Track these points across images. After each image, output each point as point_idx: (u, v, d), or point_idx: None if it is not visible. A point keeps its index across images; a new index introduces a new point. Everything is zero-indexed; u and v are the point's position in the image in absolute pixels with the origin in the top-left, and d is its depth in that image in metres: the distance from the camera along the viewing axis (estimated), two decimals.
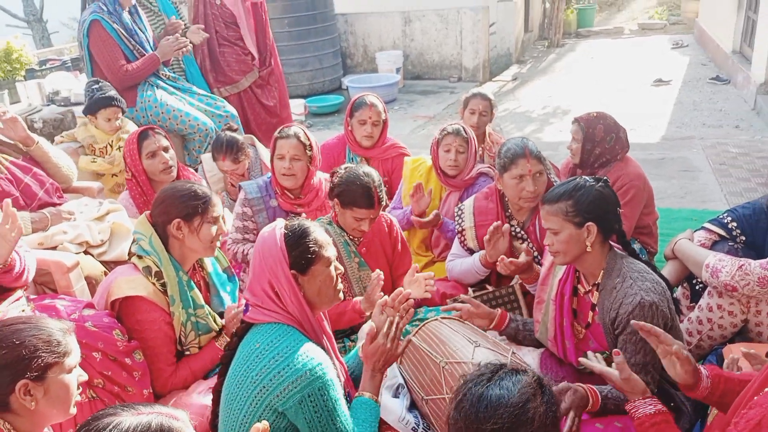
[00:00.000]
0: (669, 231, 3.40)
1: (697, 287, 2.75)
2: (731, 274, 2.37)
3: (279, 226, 1.98)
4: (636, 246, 3.31)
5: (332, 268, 2.00)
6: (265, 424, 1.48)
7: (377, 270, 2.55)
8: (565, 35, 13.18)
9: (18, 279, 2.26)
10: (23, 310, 2.27)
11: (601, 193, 2.18)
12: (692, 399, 1.91)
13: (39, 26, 13.28)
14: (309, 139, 3.15)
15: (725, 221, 2.66)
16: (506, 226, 2.86)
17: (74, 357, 1.65)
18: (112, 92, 3.88)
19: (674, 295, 2.64)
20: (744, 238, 2.65)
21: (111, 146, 3.86)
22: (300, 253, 1.91)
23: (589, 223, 2.13)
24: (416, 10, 9.75)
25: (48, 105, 5.32)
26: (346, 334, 2.84)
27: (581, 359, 1.93)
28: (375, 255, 2.89)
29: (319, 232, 2.00)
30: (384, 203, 2.79)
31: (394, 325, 2.02)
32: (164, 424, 1.29)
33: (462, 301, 2.81)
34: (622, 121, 3.32)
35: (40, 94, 5.76)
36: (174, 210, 2.33)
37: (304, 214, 2.93)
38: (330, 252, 1.99)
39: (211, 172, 4.06)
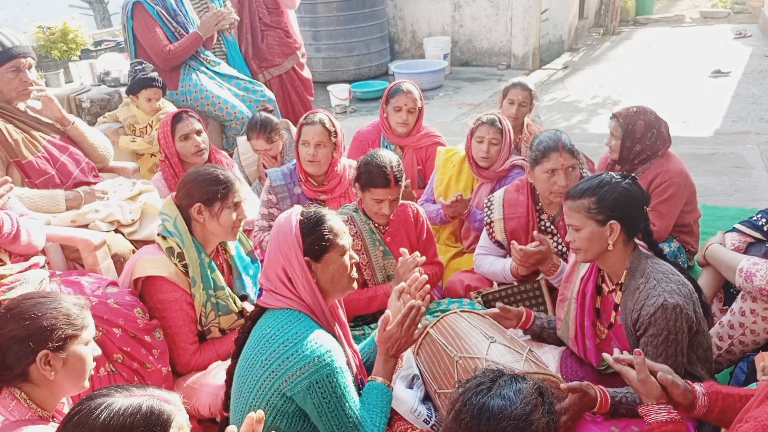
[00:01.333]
0: (714, 230, 3.25)
1: (731, 290, 2.64)
2: (766, 278, 2.26)
3: (295, 212, 1.99)
4: (674, 245, 3.21)
5: (347, 257, 2.00)
6: (260, 413, 1.49)
7: (415, 252, 2.50)
8: (623, 23, 12.74)
9: (15, 242, 2.29)
10: (42, 281, 2.35)
11: (627, 191, 2.10)
12: None
13: (100, 7, 13.63)
14: (334, 126, 3.15)
15: (759, 223, 2.54)
16: (536, 232, 2.76)
17: (90, 331, 1.72)
18: (154, 73, 3.96)
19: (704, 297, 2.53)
20: None
21: (151, 126, 3.94)
22: (314, 240, 1.93)
23: (612, 221, 2.07)
24: None
25: (98, 85, 5.47)
26: (366, 321, 2.84)
27: (604, 354, 1.87)
28: (400, 244, 2.86)
29: (335, 220, 2.00)
30: (403, 185, 2.76)
31: (411, 311, 2.01)
32: (155, 406, 1.31)
33: (488, 295, 2.79)
34: (674, 113, 3.20)
35: (91, 75, 5.92)
36: (196, 194, 2.37)
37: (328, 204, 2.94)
38: (345, 240, 1.99)
39: (246, 155, 4.11)
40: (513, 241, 2.69)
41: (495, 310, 2.46)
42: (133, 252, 2.74)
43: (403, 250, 2.50)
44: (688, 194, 3.18)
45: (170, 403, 1.35)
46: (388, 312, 2.06)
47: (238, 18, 4.78)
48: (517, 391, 1.40)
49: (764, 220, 2.54)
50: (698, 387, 1.74)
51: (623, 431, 1.99)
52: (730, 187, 4.78)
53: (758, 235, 2.54)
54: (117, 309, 2.27)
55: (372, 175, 2.68)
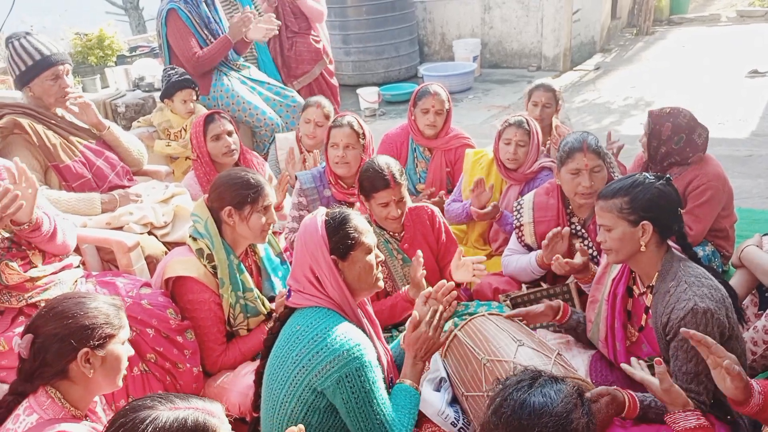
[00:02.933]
0: (749, 234, 3.18)
1: (766, 294, 2.58)
2: None
3: (320, 213, 2.03)
4: (708, 248, 3.15)
5: (372, 255, 2.03)
6: (300, 428, 1.52)
7: (418, 251, 2.52)
8: (656, 22, 12.51)
9: (52, 240, 2.34)
10: (76, 281, 2.41)
11: (661, 192, 2.08)
12: None
13: (135, 14, 13.92)
14: (362, 128, 3.19)
15: None
16: (566, 229, 2.76)
17: (126, 331, 1.76)
18: (187, 75, 4.04)
19: (742, 302, 2.48)
20: None
21: (185, 130, 4.02)
22: (340, 239, 1.96)
23: (645, 222, 2.04)
24: None
25: (133, 90, 5.59)
26: (394, 324, 2.85)
27: (623, 365, 1.85)
28: (419, 248, 2.86)
29: (359, 219, 2.03)
30: (403, 183, 2.75)
31: (437, 314, 2.02)
32: (200, 419, 1.34)
33: (516, 298, 2.78)
34: (709, 114, 3.14)
35: (126, 80, 6.05)
36: (226, 197, 2.41)
37: (357, 204, 2.95)
38: (369, 239, 2.02)
39: (282, 150, 4.14)
40: (557, 255, 2.62)
41: (535, 306, 2.43)
42: (166, 254, 2.80)
43: (419, 252, 2.51)
44: (726, 198, 3.12)
45: (214, 415, 1.37)
46: (415, 314, 2.07)
47: (279, 22, 4.78)
48: (557, 390, 1.40)
49: None
50: (756, 385, 1.70)
51: None
52: (766, 190, 4.66)
53: None
54: (150, 310, 2.32)
55: (371, 180, 2.70)
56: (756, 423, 2.03)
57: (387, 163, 2.74)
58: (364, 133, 3.19)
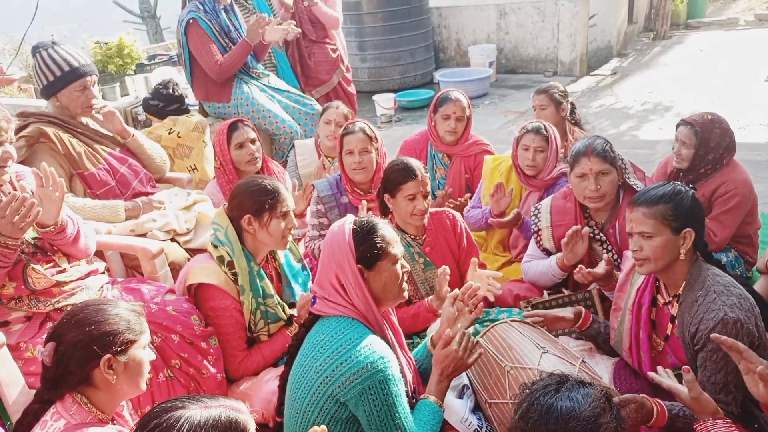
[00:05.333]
0: None
1: None
2: None
3: (348, 221, 2.03)
4: (732, 254, 3.12)
5: (398, 266, 2.02)
6: (323, 429, 1.52)
7: (443, 266, 2.54)
8: (673, 27, 12.43)
9: (75, 243, 2.37)
10: (102, 287, 2.44)
11: (697, 200, 2.09)
12: None
13: (153, 22, 14.09)
14: (374, 132, 3.24)
15: None
16: (586, 229, 2.76)
17: (147, 336, 1.78)
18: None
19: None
20: None
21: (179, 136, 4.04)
22: (367, 248, 1.96)
23: (688, 229, 2.03)
24: (512, 2, 9.53)
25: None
26: (417, 331, 2.85)
27: (650, 374, 1.84)
28: (441, 253, 2.87)
29: (387, 229, 2.03)
30: (428, 178, 2.79)
31: (468, 336, 2.01)
32: (232, 417, 1.37)
33: (538, 305, 2.76)
34: (729, 119, 3.11)
35: (146, 88, 6.13)
36: (245, 205, 2.43)
37: (364, 202, 2.99)
38: (397, 249, 2.01)
39: (302, 156, 4.16)
40: (581, 266, 2.61)
41: (553, 311, 2.43)
42: (188, 260, 2.82)
43: (444, 267, 2.52)
44: (751, 204, 3.09)
45: (242, 412, 1.41)
46: (448, 332, 2.06)
47: (299, 30, 4.79)
48: (585, 395, 1.39)
49: None
50: None
51: None
52: None
53: None
54: (175, 316, 2.34)
55: (398, 174, 2.74)
56: None
57: (407, 159, 2.83)
58: (376, 137, 3.24)
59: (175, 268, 2.80)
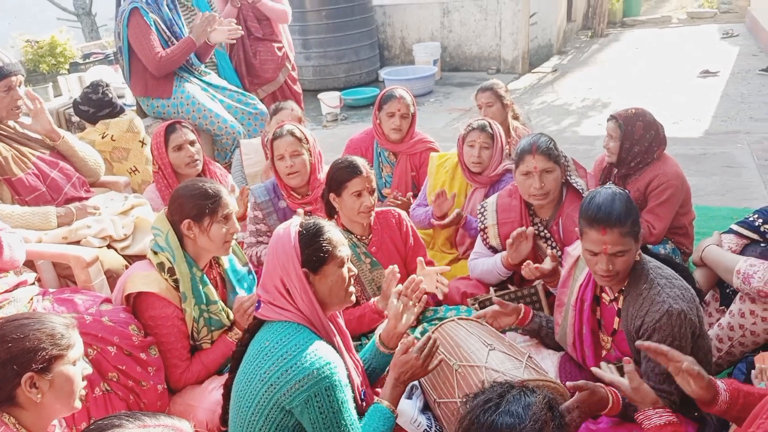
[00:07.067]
0: (706, 230, 3.27)
1: (727, 290, 2.64)
2: (764, 280, 2.26)
3: (294, 223, 1.98)
4: (669, 246, 3.21)
5: (345, 269, 1.99)
6: None
7: (391, 265, 2.52)
8: (610, 25, 12.81)
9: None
10: (32, 299, 2.32)
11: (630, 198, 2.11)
12: None
13: (88, 20, 13.59)
14: (303, 133, 3.17)
15: (756, 223, 2.54)
16: (530, 229, 2.79)
17: (77, 350, 1.68)
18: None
19: (704, 299, 2.54)
20: None
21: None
22: (313, 251, 1.92)
23: (641, 233, 2.07)
24: (455, 0, 9.63)
25: None
26: (363, 332, 2.82)
27: (593, 368, 1.87)
28: (387, 252, 2.86)
29: (334, 231, 1.99)
30: (373, 176, 2.78)
31: (430, 344, 1.99)
32: None
33: (485, 302, 2.78)
34: (664, 114, 3.20)
35: (80, 88, 5.89)
36: (185, 209, 2.35)
37: (300, 210, 2.96)
38: (344, 252, 1.98)
39: (248, 156, 4.07)
40: (528, 261, 2.65)
41: (494, 307, 2.45)
42: (126, 267, 2.72)
43: (392, 266, 2.51)
44: (684, 196, 3.19)
45: (184, 431, 1.33)
46: (412, 337, 2.03)
47: (241, 32, 4.68)
48: (526, 407, 1.37)
49: (761, 220, 2.54)
50: (720, 383, 1.73)
51: None
52: (721, 187, 4.79)
53: (755, 236, 2.54)
54: (112, 327, 2.24)
55: (342, 172, 2.72)
56: (724, 420, 2.07)
57: (352, 156, 2.81)
58: (306, 138, 3.16)
59: (111, 277, 2.69)
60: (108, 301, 2.41)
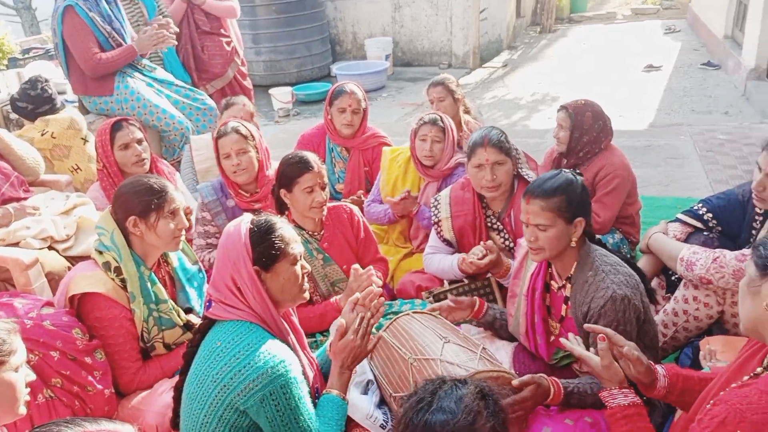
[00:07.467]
0: (653, 220, 3.37)
1: (672, 278, 2.72)
2: (706, 267, 2.33)
3: (245, 220, 1.95)
4: (617, 236, 3.29)
5: (298, 266, 1.96)
6: None
7: (369, 267, 2.51)
8: (558, 21, 13.07)
9: None
10: None
11: (585, 188, 2.16)
12: None
13: (28, 14, 13.10)
14: (249, 130, 3.12)
15: (700, 212, 2.62)
16: (489, 242, 2.78)
17: (19, 356, 1.63)
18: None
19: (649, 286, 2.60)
20: (720, 229, 2.61)
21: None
22: (264, 249, 1.88)
23: (579, 218, 2.10)
24: None
25: None
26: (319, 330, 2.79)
27: (561, 340, 1.89)
28: (339, 248, 2.84)
29: (286, 228, 1.96)
30: (324, 171, 2.75)
31: (364, 322, 1.98)
32: None
33: (439, 295, 2.79)
34: (610, 108, 3.28)
35: (19, 84, 5.65)
36: (130, 206, 2.29)
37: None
38: (296, 249, 1.95)
39: (199, 151, 3.98)
40: (463, 256, 2.68)
41: (448, 302, 2.46)
42: (69, 269, 2.62)
43: (356, 266, 2.49)
44: (631, 187, 3.26)
45: None
46: (342, 322, 2.02)
47: (177, 30, 4.59)
48: (458, 401, 1.37)
49: (705, 209, 2.62)
50: (659, 368, 1.78)
51: (576, 422, 2.01)
52: (666, 178, 4.94)
53: (699, 225, 2.61)
54: (54, 331, 2.15)
55: (293, 168, 2.69)
56: (671, 405, 2.13)
57: (303, 152, 2.77)
58: (252, 135, 3.11)
59: (53, 279, 2.59)
60: (50, 304, 2.32)
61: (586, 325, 1.82)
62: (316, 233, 2.82)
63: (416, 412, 1.39)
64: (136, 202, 2.28)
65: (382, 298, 2.16)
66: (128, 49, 4.19)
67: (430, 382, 1.46)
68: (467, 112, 4.18)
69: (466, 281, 2.92)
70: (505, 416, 1.41)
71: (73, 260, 2.76)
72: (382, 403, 2.27)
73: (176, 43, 4.51)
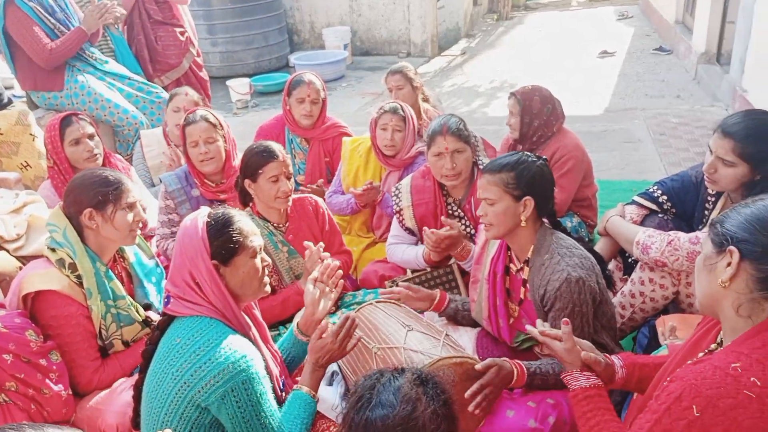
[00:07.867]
0: (609, 203, 3.42)
1: (629, 260, 2.78)
2: (661, 250, 2.38)
3: (202, 214, 1.90)
4: (575, 220, 3.34)
5: (258, 259, 1.93)
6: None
7: (320, 243, 2.46)
8: (514, 8, 13.17)
9: None
10: None
11: (542, 171, 2.18)
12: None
13: None
14: (218, 119, 3.09)
15: (655, 194, 2.68)
16: (453, 230, 2.78)
17: None
18: None
19: (607, 268, 2.65)
20: (675, 210, 2.67)
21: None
22: (222, 243, 1.84)
23: (528, 197, 2.13)
24: None
25: None
26: (281, 321, 2.77)
27: (528, 327, 1.91)
28: (303, 239, 2.80)
29: (244, 221, 1.93)
30: (288, 161, 2.73)
31: (346, 324, 1.96)
32: None
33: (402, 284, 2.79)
34: (566, 94, 3.32)
35: None
36: (84, 199, 2.23)
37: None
38: (255, 242, 1.92)
39: (150, 147, 3.89)
40: (425, 228, 2.71)
41: (405, 291, 2.46)
42: (21, 269, 2.53)
43: (308, 243, 2.46)
44: (586, 168, 3.32)
45: None
46: (326, 322, 2.00)
47: (124, 12, 4.49)
48: (395, 392, 1.36)
49: (660, 191, 2.68)
50: (616, 360, 1.81)
51: (539, 404, 2.05)
52: (621, 162, 5.04)
53: (654, 207, 2.67)
54: (6, 333, 2.08)
55: (257, 157, 2.66)
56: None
57: (270, 142, 2.75)
58: (221, 124, 3.08)
59: (4, 280, 2.50)
60: (1, 306, 2.24)
61: (528, 328, 1.88)
62: (281, 225, 2.79)
63: (357, 411, 1.37)
64: (92, 194, 2.23)
65: (340, 272, 2.18)
66: (77, 31, 4.07)
67: (369, 378, 1.45)
68: (426, 100, 4.19)
69: (428, 269, 2.93)
70: (447, 397, 1.41)
71: (25, 260, 2.66)
72: (347, 393, 2.27)
73: (124, 12, 4.41)
